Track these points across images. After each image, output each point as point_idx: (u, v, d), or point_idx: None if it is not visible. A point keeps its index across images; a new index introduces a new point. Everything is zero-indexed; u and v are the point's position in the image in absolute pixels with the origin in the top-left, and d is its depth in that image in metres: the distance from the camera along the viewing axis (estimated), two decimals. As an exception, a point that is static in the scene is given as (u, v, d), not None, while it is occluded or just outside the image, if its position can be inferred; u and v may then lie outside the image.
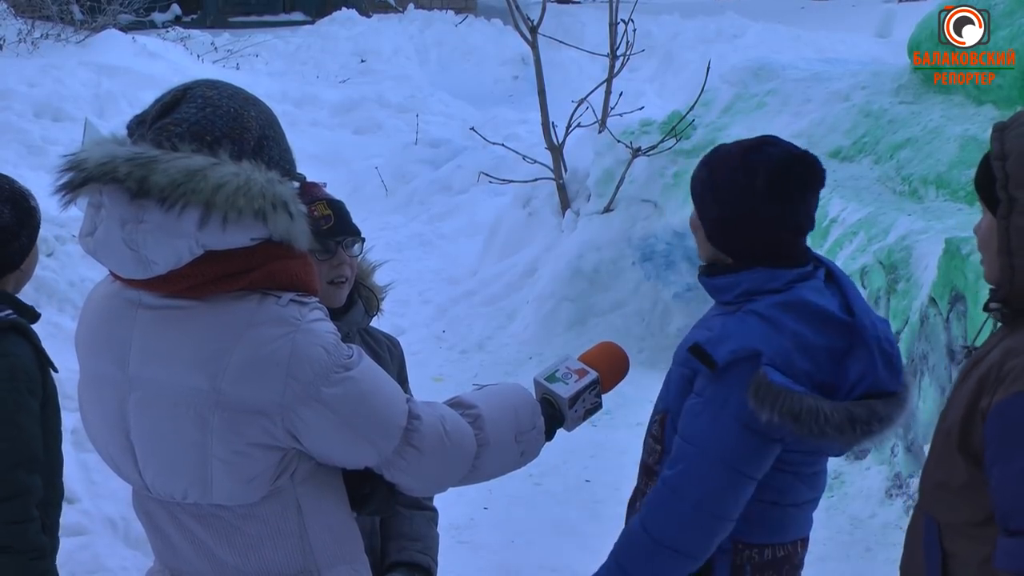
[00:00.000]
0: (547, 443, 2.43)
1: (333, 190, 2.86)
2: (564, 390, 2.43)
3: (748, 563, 2.62)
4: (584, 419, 2.48)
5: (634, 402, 5.98)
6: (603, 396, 2.51)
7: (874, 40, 15.81)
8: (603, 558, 3.00)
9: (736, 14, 16.91)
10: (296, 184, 2.15)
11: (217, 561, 2.16)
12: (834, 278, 2.62)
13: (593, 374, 2.47)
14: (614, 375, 2.53)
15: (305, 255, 2.14)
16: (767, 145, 2.59)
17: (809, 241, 2.74)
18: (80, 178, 2.01)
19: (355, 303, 2.81)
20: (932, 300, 4.81)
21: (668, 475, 2.54)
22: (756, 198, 2.53)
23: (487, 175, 8.56)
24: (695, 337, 2.57)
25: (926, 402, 4.78)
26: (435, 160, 10.92)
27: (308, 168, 2.56)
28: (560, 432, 2.50)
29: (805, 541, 2.74)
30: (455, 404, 2.29)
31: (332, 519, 2.20)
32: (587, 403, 2.46)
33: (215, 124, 2.05)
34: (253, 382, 2.02)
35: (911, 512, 4.94)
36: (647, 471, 2.71)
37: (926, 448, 4.76)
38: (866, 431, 2.49)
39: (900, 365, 2.59)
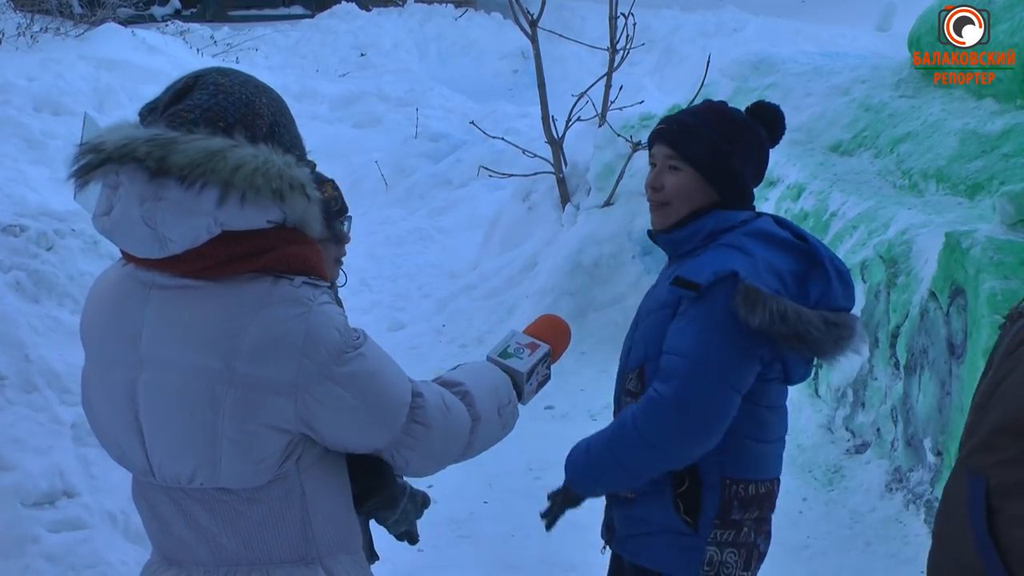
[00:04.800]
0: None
1: (333, 185, 2.90)
2: (520, 365, 2.46)
3: (735, 498, 2.73)
4: (537, 392, 2.52)
5: (634, 396, 5.98)
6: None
7: (874, 34, 15.81)
8: (603, 552, 3.01)
9: (736, 8, 16.91)
10: (309, 170, 2.18)
11: (219, 548, 2.16)
12: (781, 220, 2.87)
13: (545, 347, 2.50)
14: (561, 345, 2.58)
15: (315, 242, 2.16)
16: (753, 107, 2.89)
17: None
18: (98, 159, 2.02)
19: None
20: (932, 294, 4.81)
21: (662, 387, 2.66)
22: (748, 128, 2.82)
23: (487, 169, 8.56)
24: (672, 274, 2.73)
25: (926, 396, 4.78)
26: (435, 154, 10.92)
27: (308, 162, 2.61)
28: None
29: (778, 481, 2.87)
30: (442, 383, 2.33)
31: (334, 509, 2.21)
32: (539, 375, 2.50)
33: (227, 110, 2.08)
34: (268, 362, 2.04)
35: (910, 507, 4.93)
36: None
37: (926, 443, 4.77)
38: (837, 335, 2.67)
39: (852, 282, 2.81)
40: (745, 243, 2.70)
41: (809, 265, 2.73)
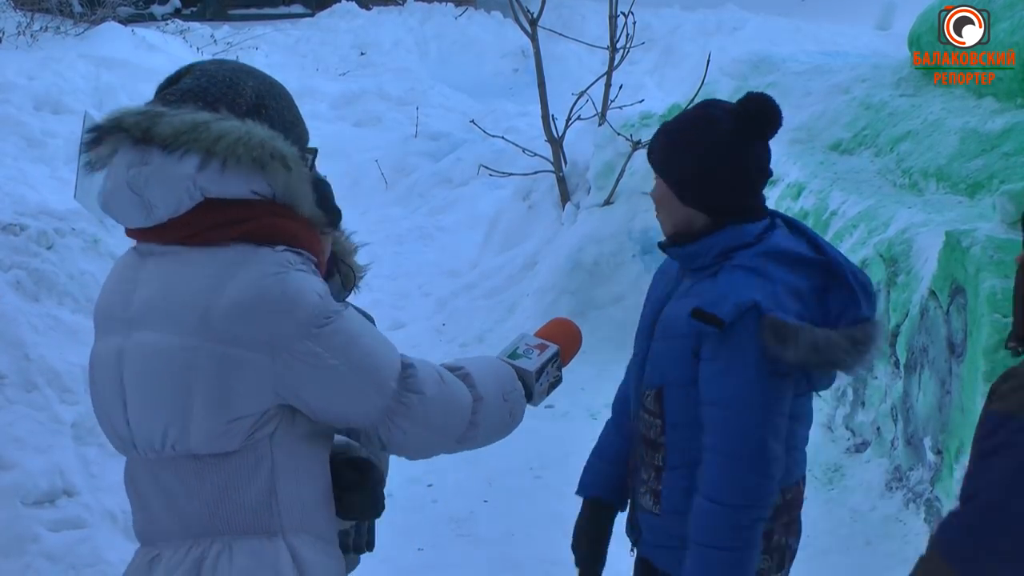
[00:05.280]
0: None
1: (333, 183, 2.90)
2: (529, 364, 2.45)
3: (771, 508, 2.67)
4: (548, 393, 2.50)
5: (634, 395, 5.97)
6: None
7: (874, 33, 15.81)
8: (631, 553, 3.01)
9: (736, 7, 16.90)
10: (309, 155, 2.25)
11: (184, 516, 2.17)
12: (795, 226, 2.74)
13: (554, 347, 2.50)
14: (571, 348, 2.57)
15: (306, 220, 2.21)
16: (717, 102, 2.73)
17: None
18: (94, 136, 2.15)
19: (332, 276, 2.89)
20: (932, 293, 4.81)
21: (715, 443, 2.57)
22: (724, 145, 2.62)
23: (487, 168, 8.56)
24: (691, 304, 2.60)
25: (926, 395, 4.78)
26: (435, 153, 10.93)
27: (308, 161, 2.59)
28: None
29: (804, 478, 2.83)
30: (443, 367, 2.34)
31: (305, 494, 2.20)
32: (550, 376, 2.49)
33: (208, 90, 2.18)
34: (244, 319, 2.08)
35: (910, 505, 4.93)
36: (650, 443, 2.75)
37: (926, 441, 4.77)
38: (862, 351, 2.59)
39: (873, 292, 2.71)
40: (761, 264, 2.59)
41: (827, 279, 2.63)
